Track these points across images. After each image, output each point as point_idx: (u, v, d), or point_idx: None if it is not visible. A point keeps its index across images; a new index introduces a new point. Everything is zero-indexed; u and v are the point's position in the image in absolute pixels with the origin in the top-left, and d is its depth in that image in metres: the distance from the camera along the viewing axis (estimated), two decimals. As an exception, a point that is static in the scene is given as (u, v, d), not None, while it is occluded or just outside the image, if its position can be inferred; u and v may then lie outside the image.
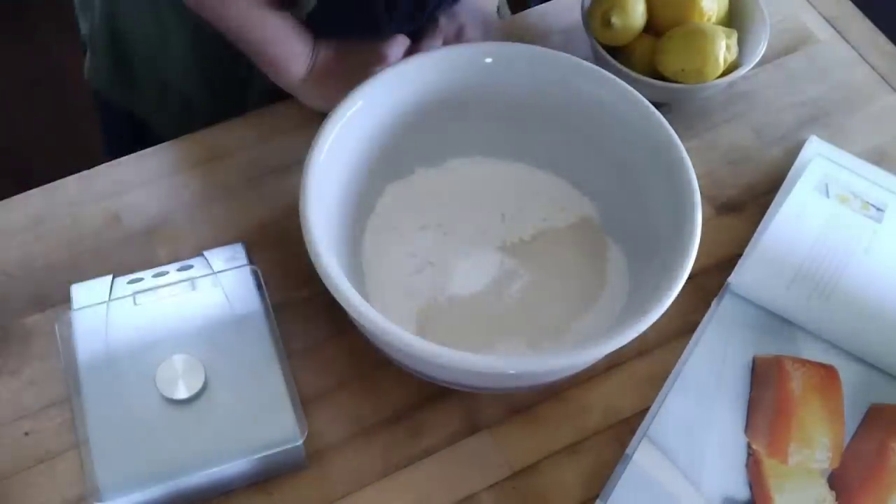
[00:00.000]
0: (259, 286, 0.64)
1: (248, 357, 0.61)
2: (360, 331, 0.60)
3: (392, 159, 0.68)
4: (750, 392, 0.64)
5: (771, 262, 0.69)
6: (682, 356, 0.65)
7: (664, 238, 0.61)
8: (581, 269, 0.67)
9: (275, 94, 0.75)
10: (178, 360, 0.59)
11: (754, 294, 0.68)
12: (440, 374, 0.58)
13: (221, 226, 0.70)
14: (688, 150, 0.62)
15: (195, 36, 0.79)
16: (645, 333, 0.56)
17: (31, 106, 1.74)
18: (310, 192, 0.58)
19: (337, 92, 0.63)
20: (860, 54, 0.84)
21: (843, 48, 0.84)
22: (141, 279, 0.64)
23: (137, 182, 0.71)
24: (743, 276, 0.68)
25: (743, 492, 0.60)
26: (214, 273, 0.64)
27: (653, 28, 0.76)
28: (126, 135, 0.92)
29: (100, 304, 0.62)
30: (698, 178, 0.61)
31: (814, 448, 0.62)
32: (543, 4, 0.84)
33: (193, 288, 0.63)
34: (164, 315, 0.62)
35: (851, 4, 0.87)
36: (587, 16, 0.76)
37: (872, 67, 0.83)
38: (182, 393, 0.58)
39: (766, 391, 0.64)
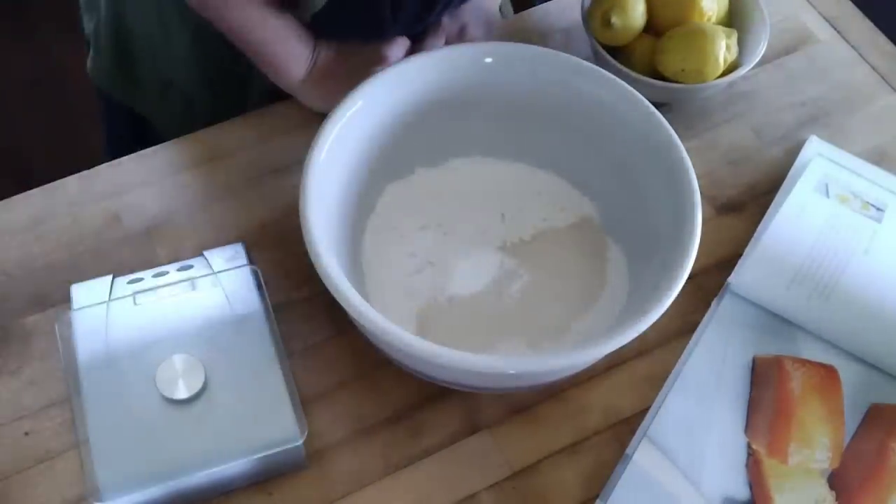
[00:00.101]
0: (259, 286, 0.64)
1: (248, 357, 0.61)
2: (360, 331, 0.60)
3: (392, 159, 0.68)
4: (750, 392, 0.64)
5: (771, 262, 0.69)
6: (682, 356, 0.65)
7: (664, 238, 0.61)
8: (581, 269, 0.67)
9: (275, 94, 0.75)
10: (178, 360, 0.59)
11: (754, 294, 0.68)
12: (440, 374, 0.58)
13: (221, 226, 0.70)
14: (688, 150, 0.62)
15: (197, 35, 0.79)
16: (645, 333, 0.56)
17: (31, 106, 1.74)
18: (310, 192, 0.58)
19: (337, 93, 0.63)
20: (860, 54, 0.84)
21: (843, 48, 0.84)
22: (141, 279, 0.64)
23: (137, 182, 0.71)
24: (743, 276, 0.68)
25: (743, 492, 0.60)
26: (214, 273, 0.64)
27: (653, 28, 0.76)
28: (128, 133, 0.93)
29: (100, 304, 0.62)
30: (698, 178, 0.61)
31: (814, 448, 0.62)
32: (544, 4, 0.84)
33: (193, 288, 0.63)
34: (164, 315, 0.62)
35: (851, 4, 0.87)
36: (587, 16, 0.76)
37: (872, 67, 0.83)
38: (182, 393, 0.58)
39: (766, 391, 0.64)
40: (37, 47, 1.81)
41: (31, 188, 0.71)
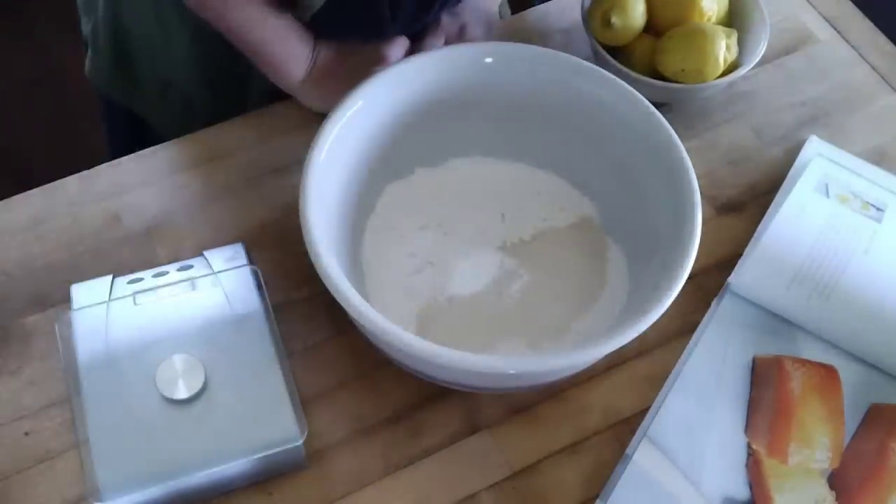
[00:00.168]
0: (259, 286, 0.64)
1: (248, 357, 0.61)
2: (360, 331, 0.60)
3: (392, 159, 0.68)
4: (750, 392, 0.64)
5: (771, 262, 0.69)
6: (682, 356, 0.65)
7: (664, 238, 0.61)
8: (581, 269, 0.67)
9: (275, 95, 0.75)
10: (178, 360, 0.59)
11: (754, 294, 0.68)
12: (440, 374, 0.58)
13: (221, 226, 0.70)
14: (688, 150, 0.62)
15: (196, 35, 0.79)
16: (645, 333, 0.56)
17: (31, 106, 1.74)
18: (310, 192, 0.58)
19: (337, 93, 0.63)
20: (860, 54, 0.84)
21: (843, 48, 0.84)
22: (141, 279, 0.64)
23: (137, 182, 0.71)
24: (743, 276, 0.68)
25: (743, 492, 0.60)
26: (214, 273, 0.64)
27: (653, 28, 0.76)
28: (127, 135, 0.92)
29: (100, 304, 0.62)
30: (698, 178, 0.61)
31: (814, 448, 0.62)
32: (544, 4, 0.84)
33: (193, 288, 0.63)
34: (164, 315, 0.62)
35: (851, 4, 0.87)
36: (587, 16, 0.76)
37: (872, 67, 0.83)
38: (182, 393, 0.58)
39: (766, 391, 0.64)
40: (37, 47, 1.81)
41: (31, 188, 0.71)
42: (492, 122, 0.69)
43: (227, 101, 0.80)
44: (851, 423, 0.63)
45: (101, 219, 0.69)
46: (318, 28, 0.72)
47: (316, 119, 0.64)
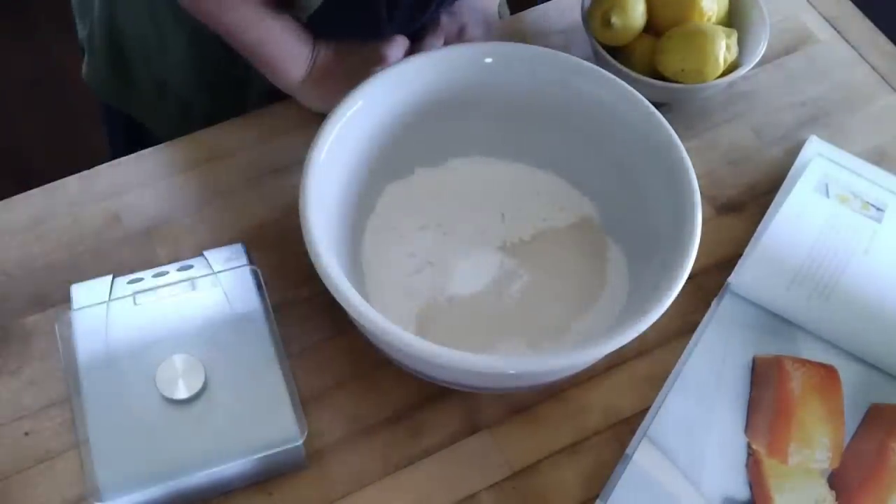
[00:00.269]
0: (259, 286, 0.64)
1: (248, 357, 0.61)
2: (360, 331, 0.60)
3: (392, 159, 0.68)
4: (750, 392, 0.64)
5: (771, 262, 0.69)
6: (682, 356, 0.65)
7: (664, 238, 0.61)
8: (581, 269, 0.67)
9: (274, 95, 0.75)
10: (178, 360, 0.59)
11: (754, 294, 0.68)
12: (440, 374, 0.58)
13: (221, 226, 0.70)
14: (688, 150, 0.62)
15: (192, 37, 0.79)
16: (645, 333, 0.56)
17: (31, 106, 1.74)
18: (310, 192, 0.58)
19: (336, 93, 0.63)
20: (860, 54, 0.84)
21: (843, 48, 0.84)
22: (141, 279, 0.64)
23: (137, 182, 0.71)
24: (743, 276, 0.68)
25: (743, 492, 0.60)
26: (214, 273, 0.64)
27: (653, 28, 0.76)
28: (126, 139, 0.92)
29: (100, 304, 0.62)
30: (698, 178, 0.61)
31: (814, 448, 0.62)
32: (544, 4, 0.84)
33: (193, 288, 0.63)
34: (164, 315, 0.62)
35: (851, 4, 0.87)
36: (587, 16, 0.76)
37: (872, 67, 0.83)
38: (182, 393, 0.58)
39: (766, 391, 0.64)
40: (37, 47, 1.81)
41: (31, 188, 0.71)
42: (491, 122, 0.69)
43: (226, 104, 0.79)
44: (851, 423, 0.63)
45: (101, 219, 0.69)
46: (316, 28, 0.72)
47: (316, 119, 0.64)
